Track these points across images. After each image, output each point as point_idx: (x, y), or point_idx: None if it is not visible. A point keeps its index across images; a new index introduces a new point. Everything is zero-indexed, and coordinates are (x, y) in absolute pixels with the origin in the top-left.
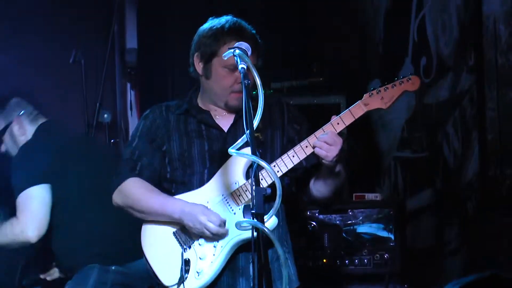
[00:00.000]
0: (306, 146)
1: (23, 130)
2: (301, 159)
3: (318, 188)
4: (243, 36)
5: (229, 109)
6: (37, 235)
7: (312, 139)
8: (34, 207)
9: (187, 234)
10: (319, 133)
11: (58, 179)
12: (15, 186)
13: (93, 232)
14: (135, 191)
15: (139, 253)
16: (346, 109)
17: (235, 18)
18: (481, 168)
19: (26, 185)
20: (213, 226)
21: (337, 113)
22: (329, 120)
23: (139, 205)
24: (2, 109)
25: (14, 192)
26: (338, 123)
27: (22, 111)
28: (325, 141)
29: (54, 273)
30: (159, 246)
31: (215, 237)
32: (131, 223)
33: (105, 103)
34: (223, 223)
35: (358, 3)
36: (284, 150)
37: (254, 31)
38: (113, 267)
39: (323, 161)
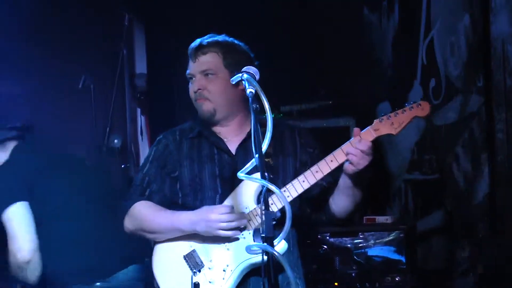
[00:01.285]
0: (317, 171)
1: None
2: (311, 184)
3: (338, 202)
4: (201, 48)
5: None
6: (27, 252)
7: (322, 164)
8: (16, 227)
9: (197, 257)
10: (329, 158)
11: (38, 197)
12: None
13: (80, 248)
14: (144, 212)
15: (122, 264)
16: None
17: (213, 35)
18: (491, 189)
19: (3, 205)
20: (225, 217)
21: (347, 136)
22: (339, 145)
23: (149, 225)
24: None
25: None
26: None
27: None
28: (361, 149)
29: None
30: (169, 269)
31: (238, 223)
32: (114, 235)
33: (115, 128)
34: (231, 208)
35: (366, 25)
36: (297, 175)
37: (229, 40)
38: (98, 284)
39: (350, 169)
